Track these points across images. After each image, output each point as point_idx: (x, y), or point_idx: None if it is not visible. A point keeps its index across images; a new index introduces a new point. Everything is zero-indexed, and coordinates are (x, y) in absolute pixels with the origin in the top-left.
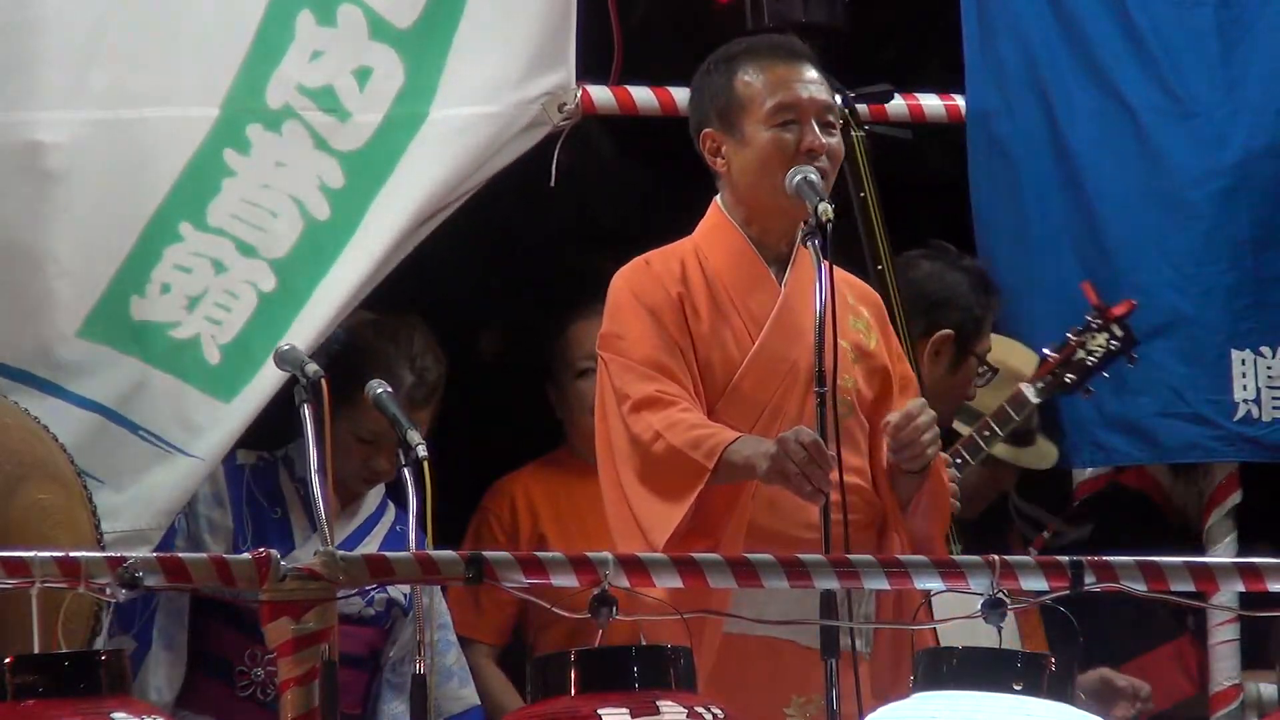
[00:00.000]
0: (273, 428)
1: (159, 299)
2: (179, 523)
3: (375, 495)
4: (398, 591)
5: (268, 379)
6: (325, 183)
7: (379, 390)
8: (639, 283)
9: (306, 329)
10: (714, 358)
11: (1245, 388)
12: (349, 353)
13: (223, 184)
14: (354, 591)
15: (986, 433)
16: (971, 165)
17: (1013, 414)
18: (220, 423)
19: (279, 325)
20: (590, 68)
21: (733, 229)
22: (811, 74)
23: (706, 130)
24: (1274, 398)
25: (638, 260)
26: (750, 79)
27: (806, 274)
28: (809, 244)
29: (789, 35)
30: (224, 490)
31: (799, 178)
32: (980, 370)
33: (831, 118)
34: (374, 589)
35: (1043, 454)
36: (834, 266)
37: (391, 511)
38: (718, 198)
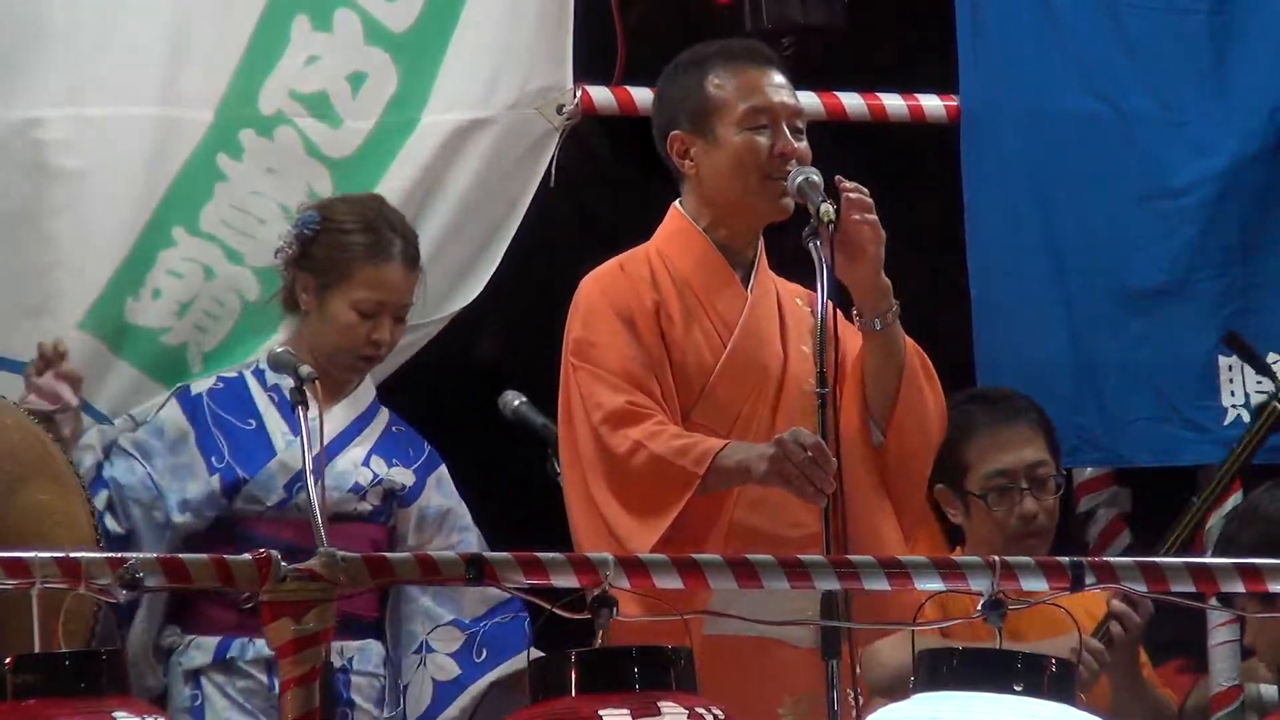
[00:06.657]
0: None
1: (151, 304)
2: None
3: (366, 390)
4: (396, 480)
5: None
6: (314, 191)
7: (516, 403)
8: (613, 289)
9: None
10: (688, 362)
11: (1233, 394)
12: (330, 230)
13: (215, 189)
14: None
15: None
16: (965, 167)
17: None
18: None
19: (261, 335)
20: (590, 68)
21: (697, 233)
22: (780, 79)
23: (675, 132)
24: None
25: (610, 264)
26: (722, 82)
27: (770, 278)
28: (810, 245)
29: (755, 40)
30: (174, 428)
31: (801, 179)
32: None
33: (800, 123)
34: (367, 482)
35: None
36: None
37: (385, 413)
38: (677, 202)
